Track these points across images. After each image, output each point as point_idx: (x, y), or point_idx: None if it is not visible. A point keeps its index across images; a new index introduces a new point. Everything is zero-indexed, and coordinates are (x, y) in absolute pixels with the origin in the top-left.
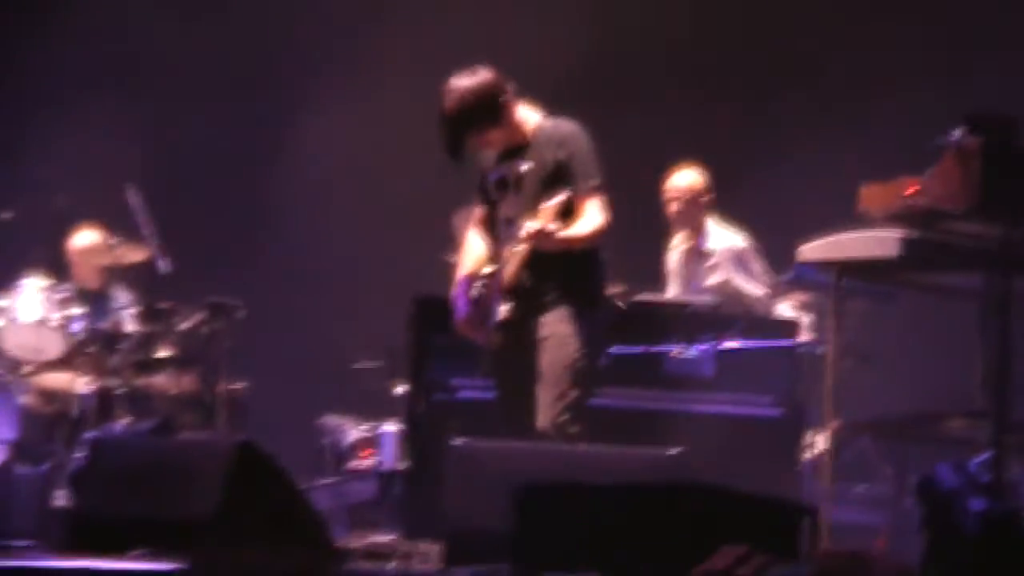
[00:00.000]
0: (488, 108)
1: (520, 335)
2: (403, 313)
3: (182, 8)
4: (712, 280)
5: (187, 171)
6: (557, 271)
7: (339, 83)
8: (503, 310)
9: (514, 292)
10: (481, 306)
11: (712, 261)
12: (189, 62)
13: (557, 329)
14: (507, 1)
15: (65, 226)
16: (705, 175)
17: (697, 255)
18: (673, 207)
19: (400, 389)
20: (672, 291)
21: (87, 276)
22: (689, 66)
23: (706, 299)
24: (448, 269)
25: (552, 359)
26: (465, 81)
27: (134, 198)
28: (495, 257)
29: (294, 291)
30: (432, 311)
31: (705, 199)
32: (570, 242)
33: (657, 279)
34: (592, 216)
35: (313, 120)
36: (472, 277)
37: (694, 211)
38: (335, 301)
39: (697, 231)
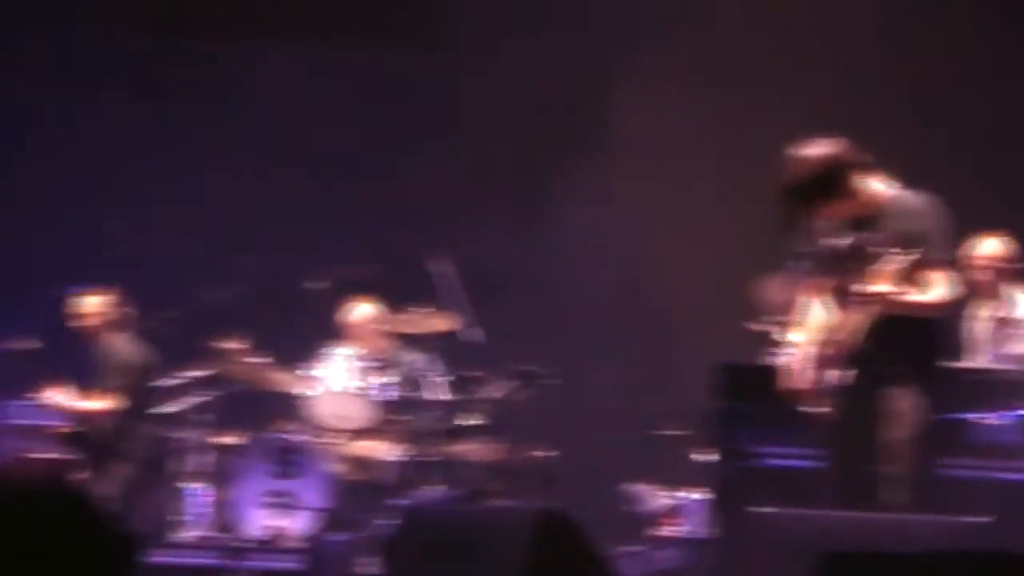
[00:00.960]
0: (832, 180)
1: (858, 403)
2: (709, 380)
3: None
4: (1019, 348)
5: (493, 243)
6: (900, 340)
7: (642, 150)
8: (839, 376)
9: (854, 359)
10: (817, 372)
11: (1019, 329)
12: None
13: (901, 405)
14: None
15: (377, 294)
16: (1013, 243)
17: (1003, 323)
18: (982, 275)
19: (706, 456)
20: (977, 359)
21: (370, 345)
22: None
23: (1014, 367)
24: (754, 336)
25: (895, 434)
26: (810, 151)
27: (441, 267)
28: (835, 324)
29: (599, 359)
30: (738, 378)
31: (1013, 268)
32: (914, 308)
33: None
34: (939, 287)
35: (613, 187)
36: (810, 343)
37: (1002, 279)
38: (641, 369)
39: (1003, 299)
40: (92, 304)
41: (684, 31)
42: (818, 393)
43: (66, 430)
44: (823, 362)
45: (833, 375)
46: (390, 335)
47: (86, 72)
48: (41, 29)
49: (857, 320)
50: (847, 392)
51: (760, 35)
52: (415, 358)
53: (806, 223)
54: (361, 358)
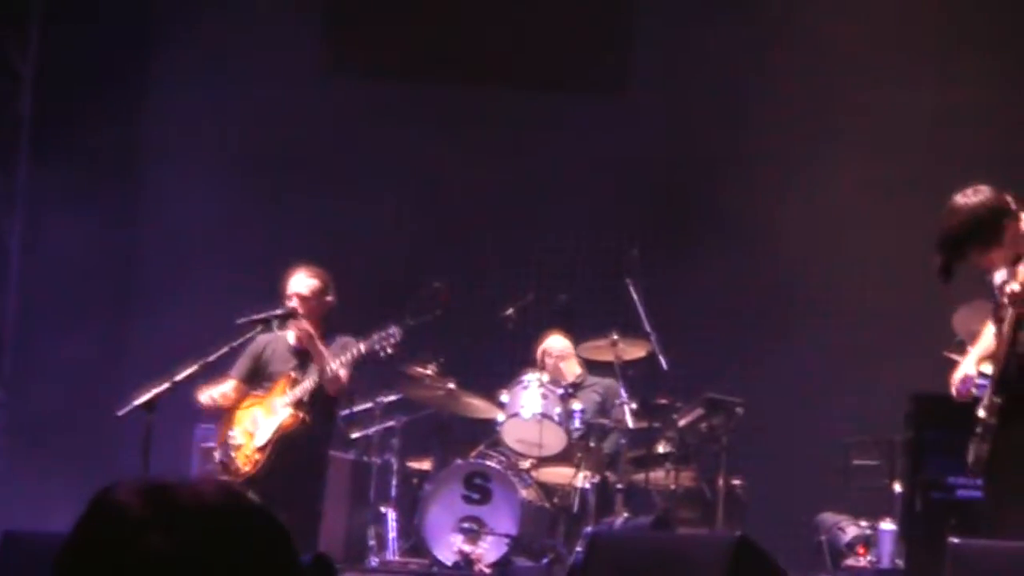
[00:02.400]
0: (989, 229)
1: (1008, 431)
2: (902, 410)
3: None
4: None
5: (694, 269)
6: None
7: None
8: (988, 405)
9: (1002, 385)
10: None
11: None
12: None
13: None
14: None
15: (567, 322)
16: None
17: None
18: None
19: (897, 487)
20: None
21: (561, 372)
22: None
23: None
24: (949, 366)
25: None
26: (967, 200)
27: (635, 293)
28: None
29: (791, 388)
30: (930, 408)
31: None
32: None
33: None
34: None
35: (806, 215)
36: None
37: None
38: (832, 398)
39: None
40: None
41: None
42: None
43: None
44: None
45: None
46: (581, 362)
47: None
48: None
49: (1001, 332)
50: (994, 420)
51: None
52: (606, 385)
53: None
54: (552, 385)
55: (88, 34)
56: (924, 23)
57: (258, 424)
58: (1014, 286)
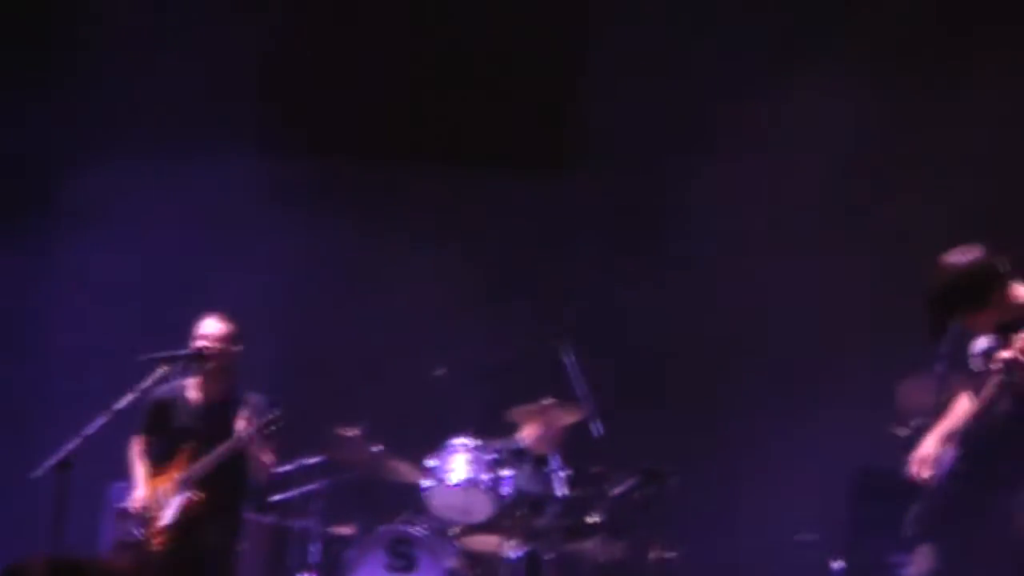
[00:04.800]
0: (978, 291)
1: (965, 491)
2: (844, 485)
3: None
4: None
5: (634, 335)
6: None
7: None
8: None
9: (966, 443)
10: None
11: None
12: None
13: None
14: None
15: (501, 384)
16: None
17: None
18: None
19: (838, 564)
20: None
21: (536, 441)
22: None
23: None
24: (894, 442)
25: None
26: (956, 260)
27: (568, 357)
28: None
29: (728, 458)
30: (873, 483)
31: None
32: None
33: None
34: None
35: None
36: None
37: None
38: (770, 473)
39: None
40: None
41: None
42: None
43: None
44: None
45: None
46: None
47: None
48: None
49: (980, 397)
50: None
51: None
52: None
53: (956, 328)
54: (484, 449)
55: None
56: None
57: (162, 502)
58: (1005, 353)
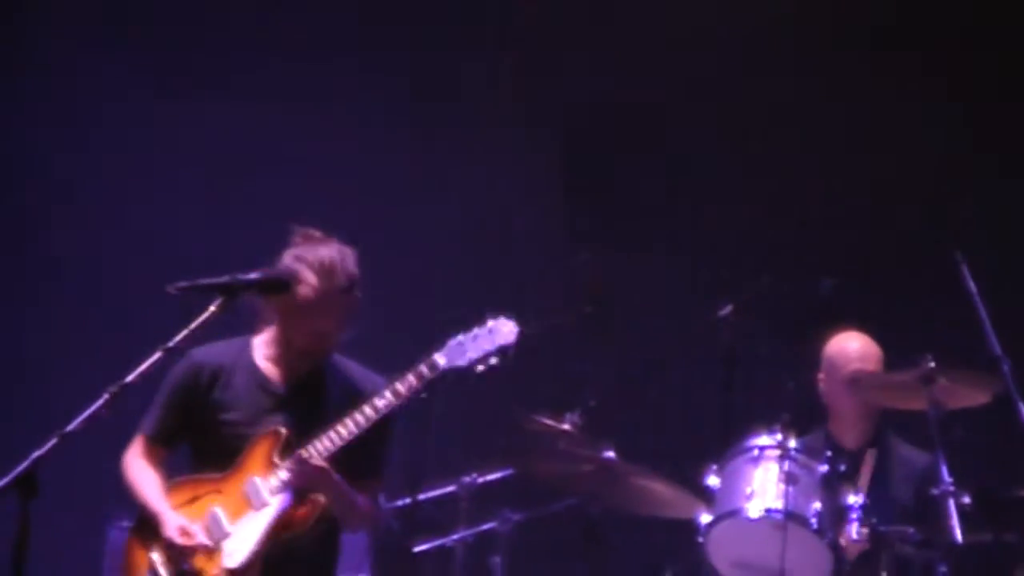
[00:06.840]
0: None
1: None
2: None
3: None
4: None
5: None
6: None
7: None
8: None
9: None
10: None
11: None
12: None
13: None
14: None
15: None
16: None
17: None
18: None
19: None
20: None
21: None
22: None
23: None
24: None
25: None
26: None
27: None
28: None
29: None
30: None
31: None
32: None
33: None
34: None
35: None
36: None
37: None
38: None
39: None
40: None
41: None
42: None
43: None
44: None
45: None
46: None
47: None
48: None
49: None
50: None
51: None
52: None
53: None
54: (810, 456)
55: None
56: None
57: (224, 530)
58: None
